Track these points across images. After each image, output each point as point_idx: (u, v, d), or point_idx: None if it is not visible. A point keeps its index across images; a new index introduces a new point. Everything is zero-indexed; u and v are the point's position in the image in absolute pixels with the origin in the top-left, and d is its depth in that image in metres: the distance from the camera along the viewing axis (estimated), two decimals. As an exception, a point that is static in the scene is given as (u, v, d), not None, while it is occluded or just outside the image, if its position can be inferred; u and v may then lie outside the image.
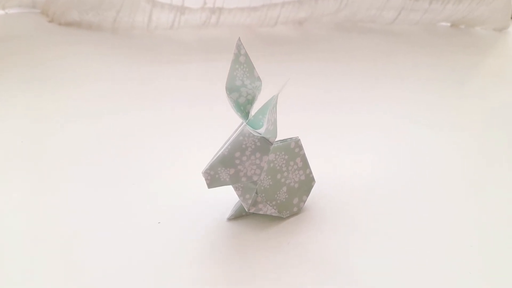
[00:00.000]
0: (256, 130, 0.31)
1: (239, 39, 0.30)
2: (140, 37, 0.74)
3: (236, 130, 0.32)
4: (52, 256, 0.33)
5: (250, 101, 0.32)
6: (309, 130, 0.47)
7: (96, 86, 0.58)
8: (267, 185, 0.35)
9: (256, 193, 0.34)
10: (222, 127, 0.46)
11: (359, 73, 0.69)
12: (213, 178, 0.31)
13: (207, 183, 0.31)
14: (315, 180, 0.38)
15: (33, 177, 0.41)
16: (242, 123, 0.32)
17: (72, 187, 0.40)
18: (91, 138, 0.47)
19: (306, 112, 0.56)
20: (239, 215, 0.37)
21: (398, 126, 0.53)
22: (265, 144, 0.31)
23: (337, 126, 0.53)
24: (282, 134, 0.36)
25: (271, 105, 0.29)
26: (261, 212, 0.35)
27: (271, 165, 0.35)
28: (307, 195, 0.38)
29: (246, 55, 0.30)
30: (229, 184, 0.32)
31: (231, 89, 0.31)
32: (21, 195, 0.39)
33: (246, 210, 0.35)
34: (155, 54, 0.69)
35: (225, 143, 0.32)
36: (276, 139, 0.35)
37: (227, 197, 0.38)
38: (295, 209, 0.37)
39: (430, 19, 0.87)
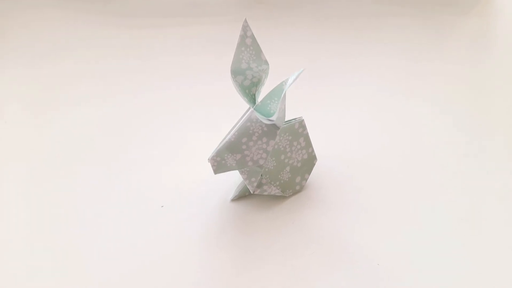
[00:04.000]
0: (268, 118, 0.30)
1: (245, 20, 0.28)
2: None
3: (243, 115, 0.31)
4: (57, 239, 0.32)
5: (255, 84, 0.31)
6: (298, 103, 0.46)
7: (77, 60, 0.55)
8: (271, 167, 0.34)
9: (261, 176, 0.34)
10: (220, 105, 0.45)
11: (344, 39, 0.67)
12: (219, 164, 0.31)
13: (213, 169, 0.31)
14: (317, 158, 0.38)
15: (32, 164, 0.39)
16: (249, 108, 0.31)
17: (73, 171, 0.39)
18: (86, 123, 0.45)
19: (299, 82, 0.54)
20: (242, 196, 0.37)
21: (386, 97, 0.53)
22: (272, 129, 0.30)
23: (327, 98, 0.52)
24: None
25: (283, 94, 0.28)
26: (265, 193, 0.35)
27: (276, 147, 0.34)
28: (309, 173, 0.38)
29: (252, 37, 0.29)
30: (235, 169, 0.32)
31: (236, 72, 0.30)
32: (19, 183, 0.37)
33: (251, 192, 0.34)
34: (134, 17, 0.65)
35: (232, 128, 0.31)
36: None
37: (230, 178, 0.38)
38: (297, 188, 0.37)
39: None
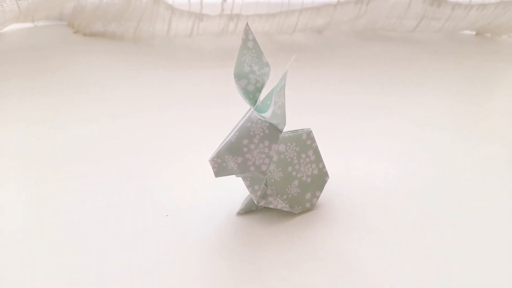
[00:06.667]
0: (262, 114, 0.30)
1: (247, 24, 0.29)
2: (160, 45, 0.75)
3: (244, 116, 0.31)
4: (59, 251, 0.32)
5: (259, 89, 0.31)
6: (327, 133, 0.46)
7: (116, 91, 0.59)
8: (278, 178, 0.34)
9: (266, 185, 0.33)
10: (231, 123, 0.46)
11: (377, 80, 0.67)
12: (220, 166, 0.30)
13: (214, 171, 0.31)
14: (330, 176, 0.37)
15: (44, 175, 0.41)
16: (249, 109, 0.31)
17: (81, 184, 0.40)
18: (109, 138, 0.47)
19: (323, 116, 0.55)
20: (249, 210, 0.36)
21: (415, 131, 0.51)
22: (273, 131, 0.30)
23: (354, 130, 0.51)
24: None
25: (278, 88, 0.28)
26: (271, 206, 0.34)
27: (282, 156, 0.33)
28: (321, 190, 0.36)
29: (254, 40, 0.30)
30: (236, 173, 0.31)
31: (239, 76, 0.31)
32: (30, 192, 0.39)
33: (255, 202, 0.33)
34: (172, 61, 0.70)
35: (233, 129, 0.31)
36: (287, 130, 0.34)
37: (237, 191, 0.37)
38: (307, 205, 0.36)
39: (453, 26, 0.85)
